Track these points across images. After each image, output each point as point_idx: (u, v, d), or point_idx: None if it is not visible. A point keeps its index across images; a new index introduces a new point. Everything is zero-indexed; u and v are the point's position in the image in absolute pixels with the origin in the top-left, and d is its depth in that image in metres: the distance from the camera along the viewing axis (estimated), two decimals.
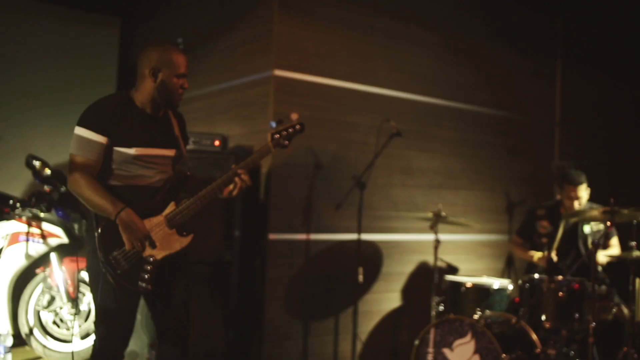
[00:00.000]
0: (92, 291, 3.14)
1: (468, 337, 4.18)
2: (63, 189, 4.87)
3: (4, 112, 6.28)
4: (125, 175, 3.10)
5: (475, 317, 4.33)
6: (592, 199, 5.07)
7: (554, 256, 4.85)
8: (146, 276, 3.01)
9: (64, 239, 4.83)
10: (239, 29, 5.37)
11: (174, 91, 3.12)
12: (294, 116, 3.29)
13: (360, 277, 4.95)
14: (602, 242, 4.64)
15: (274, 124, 3.30)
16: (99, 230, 2.99)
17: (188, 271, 3.25)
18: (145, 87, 3.11)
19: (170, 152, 3.20)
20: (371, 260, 5.28)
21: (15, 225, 4.74)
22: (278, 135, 3.23)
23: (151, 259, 3.03)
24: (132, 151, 3.05)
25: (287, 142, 3.25)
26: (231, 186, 3.14)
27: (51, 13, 6.69)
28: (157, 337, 3.23)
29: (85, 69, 6.81)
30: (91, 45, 6.90)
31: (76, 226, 4.90)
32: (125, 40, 7.06)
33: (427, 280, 5.30)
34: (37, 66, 6.57)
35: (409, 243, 5.52)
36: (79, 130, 3.01)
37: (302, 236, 4.94)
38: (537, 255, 4.99)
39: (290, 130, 3.25)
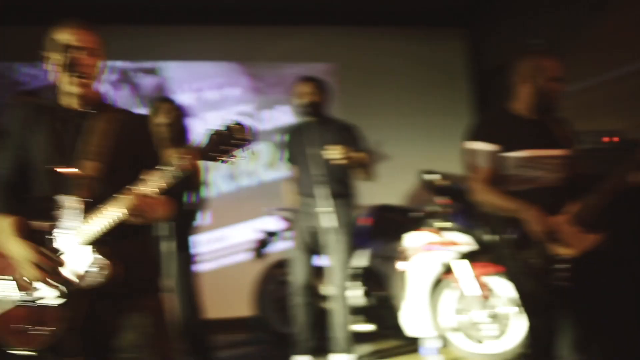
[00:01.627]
0: (518, 293, 3.36)
1: None
2: (463, 199, 5.09)
3: (387, 133, 6.66)
4: (521, 179, 3.27)
5: None
6: None
7: None
8: (563, 274, 3.07)
9: (469, 246, 5.02)
10: (608, 15, 5.21)
11: (550, 95, 3.28)
12: None
13: None
14: None
15: None
16: (514, 235, 3.17)
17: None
18: (522, 94, 3.32)
19: (558, 152, 3.31)
20: None
21: (426, 235, 5.07)
22: None
23: (564, 257, 3.08)
24: (523, 154, 3.22)
25: None
26: None
27: (395, 34, 7.05)
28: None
29: (437, 83, 7.12)
30: (440, 59, 7.17)
31: (478, 233, 5.06)
32: (474, 51, 7.24)
33: None
34: (396, 85, 7.04)
35: None
36: (471, 144, 3.31)
37: None
38: None
39: None
